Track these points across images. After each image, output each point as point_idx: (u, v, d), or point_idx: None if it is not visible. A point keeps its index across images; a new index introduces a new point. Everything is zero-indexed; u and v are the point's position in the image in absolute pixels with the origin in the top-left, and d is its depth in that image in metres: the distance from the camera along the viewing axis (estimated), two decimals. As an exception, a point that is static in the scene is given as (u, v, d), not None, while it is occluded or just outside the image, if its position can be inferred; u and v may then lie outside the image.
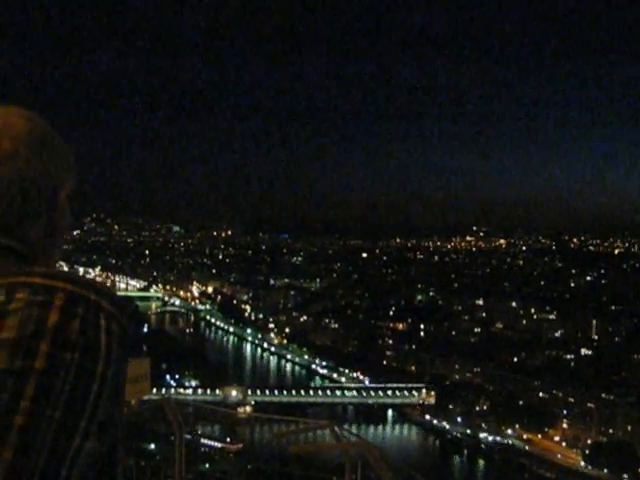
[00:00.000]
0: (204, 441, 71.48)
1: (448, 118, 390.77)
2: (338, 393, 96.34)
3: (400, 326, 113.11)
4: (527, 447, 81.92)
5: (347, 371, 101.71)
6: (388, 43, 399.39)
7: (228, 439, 74.72)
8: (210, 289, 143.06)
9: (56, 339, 1.23)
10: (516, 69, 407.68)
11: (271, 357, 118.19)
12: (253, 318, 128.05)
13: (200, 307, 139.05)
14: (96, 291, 1.31)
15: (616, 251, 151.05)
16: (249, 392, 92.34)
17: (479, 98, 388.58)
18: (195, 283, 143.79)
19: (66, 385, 1.22)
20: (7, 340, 1.21)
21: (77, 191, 1.62)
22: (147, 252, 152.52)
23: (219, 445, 72.52)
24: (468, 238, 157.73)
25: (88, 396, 1.25)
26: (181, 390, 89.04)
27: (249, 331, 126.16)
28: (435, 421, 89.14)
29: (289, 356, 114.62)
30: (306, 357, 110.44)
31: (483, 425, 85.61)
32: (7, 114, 1.53)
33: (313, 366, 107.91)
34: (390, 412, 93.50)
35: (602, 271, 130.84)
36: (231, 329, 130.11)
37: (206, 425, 76.68)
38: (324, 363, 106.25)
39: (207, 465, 65.40)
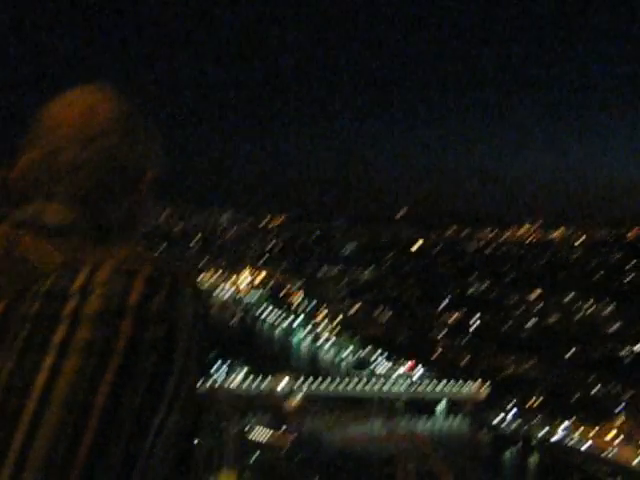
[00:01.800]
0: (255, 432, 73.14)
1: (510, 106, 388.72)
2: (389, 384, 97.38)
3: (453, 317, 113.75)
4: (582, 442, 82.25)
5: (399, 362, 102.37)
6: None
7: (281, 428, 76.01)
8: (260, 277, 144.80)
9: (138, 317, 1.30)
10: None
11: (321, 346, 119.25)
12: (303, 307, 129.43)
13: (249, 295, 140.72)
14: (175, 271, 1.38)
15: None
16: (299, 382, 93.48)
17: (550, 84, 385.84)
18: (245, 271, 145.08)
19: (148, 361, 1.29)
20: (90, 316, 1.28)
21: (161, 176, 1.71)
22: (196, 239, 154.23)
23: (271, 436, 73.86)
24: (526, 227, 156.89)
25: (170, 372, 1.31)
26: (230, 379, 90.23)
27: (299, 320, 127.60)
28: (487, 414, 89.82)
29: (340, 346, 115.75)
30: (357, 347, 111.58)
31: (537, 419, 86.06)
32: (98, 94, 1.62)
33: (364, 356, 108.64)
34: (441, 404, 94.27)
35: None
36: (281, 317, 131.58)
37: (256, 415, 78.35)
38: (375, 353, 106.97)
39: (258, 455, 67.54)
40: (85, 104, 1.60)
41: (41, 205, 1.53)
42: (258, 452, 68.26)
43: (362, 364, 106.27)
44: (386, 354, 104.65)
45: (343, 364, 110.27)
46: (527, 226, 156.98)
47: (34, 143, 1.60)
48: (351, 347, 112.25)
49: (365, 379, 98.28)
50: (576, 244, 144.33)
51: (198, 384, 1.42)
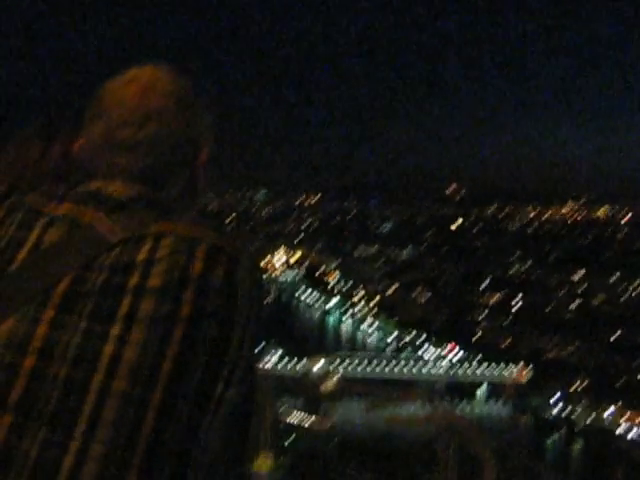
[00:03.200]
0: (291, 415, 72.96)
1: (552, 83, 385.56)
2: (428, 367, 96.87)
3: (494, 299, 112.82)
4: (626, 430, 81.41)
5: (438, 344, 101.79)
6: None
7: (317, 412, 75.78)
8: (295, 257, 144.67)
9: (200, 287, 1.37)
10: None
11: (358, 328, 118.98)
12: (339, 287, 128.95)
13: (284, 276, 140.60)
14: (234, 242, 1.47)
15: None
16: (335, 364, 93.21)
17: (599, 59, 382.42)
18: (280, 251, 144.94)
19: (210, 333, 1.36)
20: (154, 288, 1.36)
21: (215, 154, 1.78)
22: (231, 218, 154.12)
23: (306, 419, 73.66)
24: (569, 204, 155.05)
25: (230, 344, 1.39)
26: (265, 360, 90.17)
27: (335, 301, 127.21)
28: (530, 398, 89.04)
29: (377, 328, 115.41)
30: (395, 329, 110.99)
31: (581, 404, 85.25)
32: (156, 72, 1.69)
33: (402, 339, 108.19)
34: (482, 388, 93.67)
35: None
36: (316, 299, 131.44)
37: (292, 398, 78.12)
38: (414, 335, 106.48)
39: (294, 438, 67.31)
40: (143, 82, 1.66)
41: (102, 181, 1.61)
42: (294, 435, 68.13)
43: (400, 345, 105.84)
44: (425, 335, 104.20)
45: (381, 346, 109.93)
46: (570, 204, 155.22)
47: (94, 120, 1.67)
48: (389, 328, 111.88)
49: (404, 361, 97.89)
50: (622, 222, 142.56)
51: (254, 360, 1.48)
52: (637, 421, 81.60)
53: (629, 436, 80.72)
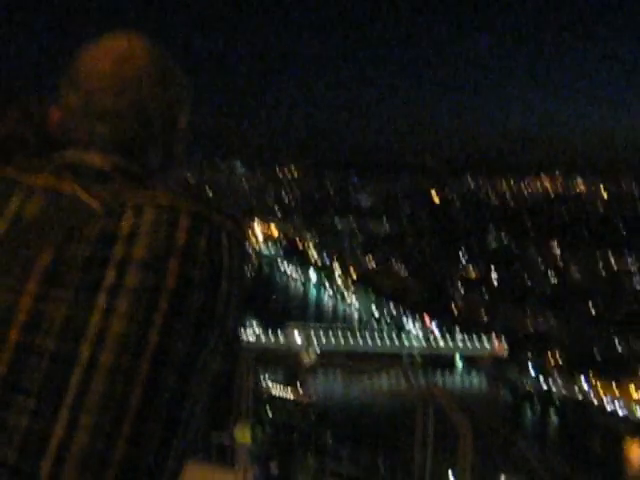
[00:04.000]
0: (269, 386, 73.15)
1: (528, 55, 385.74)
2: (405, 341, 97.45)
3: (471, 273, 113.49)
4: (602, 400, 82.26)
5: (415, 318, 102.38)
6: None
7: (296, 383, 76.09)
8: (274, 231, 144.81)
9: (185, 257, 1.35)
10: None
11: (336, 302, 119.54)
12: (318, 261, 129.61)
13: (263, 249, 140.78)
14: (217, 210, 1.45)
15: None
16: (314, 336, 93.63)
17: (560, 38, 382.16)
18: (258, 225, 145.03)
19: (195, 302, 1.35)
20: (139, 260, 1.34)
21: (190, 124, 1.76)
22: (209, 192, 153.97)
23: (285, 390, 73.93)
24: (544, 177, 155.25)
25: (215, 313, 1.38)
26: (244, 331, 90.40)
27: (313, 275, 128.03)
28: (507, 371, 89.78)
29: (354, 301, 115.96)
30: (372, 302, 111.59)
31: (557, 377, 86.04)
32: (131, 42, 1.66)
33: (379, 312, 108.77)
34: (460, 362, 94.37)
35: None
36: (295, 272, 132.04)
37: (270, 369, 78.38)
38: (391, 309, 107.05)
39: (272, 409, 67.62)
40: (119, 51, 1.63)
41: (79, 151, 1.58)
42: (273, 406, 68.41)
43: (378, 319, 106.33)
44: (402, 309, 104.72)
45: (358, 319, 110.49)
46: (544, 177, 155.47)
47: (70, 90, 1.64)
48: (366, 301, 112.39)
49: (382, 334, 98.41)
50: (599, 197, 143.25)
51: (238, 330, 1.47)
52: (612, 393, 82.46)
53: (604, 406, 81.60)
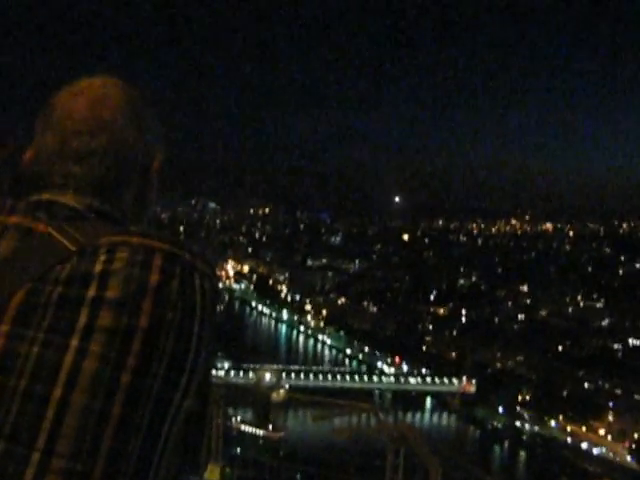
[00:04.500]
0: (239, 425, 72.97)
1: (498, 97, 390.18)
2: (375, 379, 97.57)
3: (441, 311, 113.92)
4: (571, 440, 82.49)
5: (385, 356, 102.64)
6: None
7: (266, 421, 75.99)
8: (245, 268, 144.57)
9: (158, 298, 1.34)
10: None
11: (307, 340, 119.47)
12: (289, 299, 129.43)
13: (235, 286, 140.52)
14: (190, 250, 1.43)
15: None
16: (283, 375, 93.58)
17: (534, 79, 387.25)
18: (230, 262, 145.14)
19: (168, 343, 1.33)
20: (112, 299, 1.32)
21: (165, 165, 1.77)
22: (181, 229, 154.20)
23: (255, 429, 73.79)
24: (513, 221, 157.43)
25: (188, 354, 1.36)
26: (215, 370, 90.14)
27: (285, 312, 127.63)
28: (476, 410, 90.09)
29: (326, 339, 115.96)
30: (343, 341, 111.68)
31: (525, 416, 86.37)
32: (106, 84, 1.66)
33: (350, 350, 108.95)
34: (429, 400, 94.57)
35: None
36: (266, 310, 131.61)
37: (240, 408, 78.24)
38: (362, 347, 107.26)
39: (242, 448, 67.45)
40: (95, 92, 1.64)
41: (54, 192, 1.56)
42: (242, 445, 68.22)
43: (348, 357, 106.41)
44: (372, 347, 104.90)
45: (329, 357, 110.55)
46: (514, 221, 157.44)
47: (45, 131, 1.63)
48: (337, 340, 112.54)
49: (351, 372, 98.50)
50: (567, 239, 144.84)
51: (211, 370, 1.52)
52: (580, 432, 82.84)
53: (572, 446, 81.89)
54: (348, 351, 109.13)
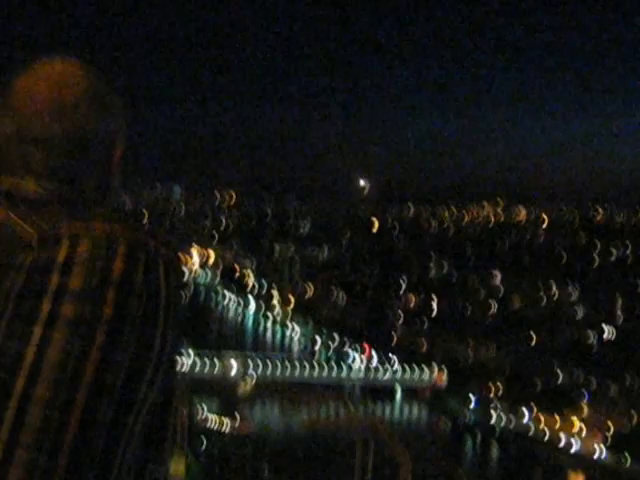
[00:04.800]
0: (205, 417, 71.19)
1: (473, 81, 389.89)
2: (345, 369, 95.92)
3: (412, 301, 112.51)
4: (544, 432, 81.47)
5: (355, 346, 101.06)
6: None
7: (232, 414, 74.25)
8: (211, 255, 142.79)
9: (122, 287, 1.32)
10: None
11: (274, 329, 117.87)
12: (256, 287, 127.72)
13: (200, 275, 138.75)
14: (153, 237, 1.41)
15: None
16: (250, 366, 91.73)
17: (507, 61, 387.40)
18: (195, 249, 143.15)
19: (133, 332, 1.32)
20: (75, 290, 1.30)
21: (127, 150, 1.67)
22: (146, 214, 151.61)
23: (221, 422, 72.11)
24: (485, 205, 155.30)
25: (153, 343, 1.35)
26: (180, 361, 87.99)
27: (252, 301, 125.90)
28: (447, 402, 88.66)
29: (294, 328, 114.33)
30: (312, 330, 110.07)
31: (498, 408, 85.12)
32: (68, 67, 1.60)
33: (318, 340, 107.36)
34: (399, 392, 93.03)
35: (629, 246, 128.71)
36: (233, 298, 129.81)
37: (206, 400, 76.31)
38: (331, 337, 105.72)
39: (208, 441, 65.44)
40: (56, 76, 1.60)
41: (14, 179, 1.54)
42: (208, 438, 66.47)
43: (316, 347, 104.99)
44: (341, 337, 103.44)
45: (296, 347, 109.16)
46: (487, 206, 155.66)
47: (3, 113, 1.61)
48: (305, 330, 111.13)
49: (319, 363, 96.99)
50: (542, 226, 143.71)
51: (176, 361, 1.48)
52: (553, 425, 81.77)
53: (545, 439, 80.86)
54: (317, 340, 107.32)
